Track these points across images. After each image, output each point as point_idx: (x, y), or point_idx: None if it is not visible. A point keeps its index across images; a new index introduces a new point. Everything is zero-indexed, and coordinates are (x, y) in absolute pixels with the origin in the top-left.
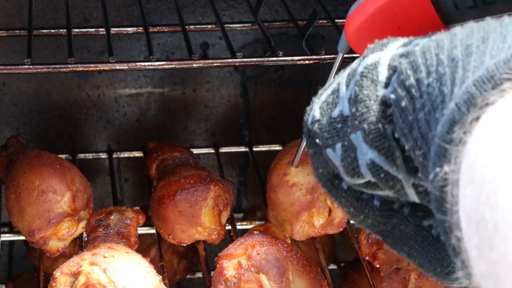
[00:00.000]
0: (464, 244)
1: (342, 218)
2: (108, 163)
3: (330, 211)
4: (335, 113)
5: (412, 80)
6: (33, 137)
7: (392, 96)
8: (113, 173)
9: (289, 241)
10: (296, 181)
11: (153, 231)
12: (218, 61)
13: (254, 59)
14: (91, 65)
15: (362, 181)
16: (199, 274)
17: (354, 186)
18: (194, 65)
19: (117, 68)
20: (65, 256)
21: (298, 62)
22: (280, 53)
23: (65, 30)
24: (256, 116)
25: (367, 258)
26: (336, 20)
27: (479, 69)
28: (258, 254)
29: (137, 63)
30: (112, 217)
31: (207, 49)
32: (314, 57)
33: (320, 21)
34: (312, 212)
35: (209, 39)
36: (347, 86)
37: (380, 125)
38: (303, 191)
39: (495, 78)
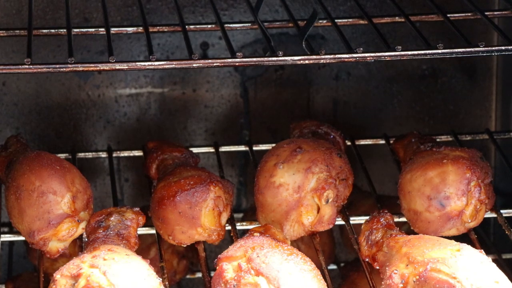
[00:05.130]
0: None
1: (331, 214)
2: (108, 163)
3: (318, 209)
4: None
5: None
6: (33, 137)
7: None
8: (113, 173)
9: (289, 243)
10: (282, 181)
11: (153, 231)
12: (218, 61)
13: (254, 59)
14: (91, 65)
15: None
16: (199, 274)
17: None
18: (194, 65)
19: (117, 68)
20: (65, 256)
21: (298, 62)
22: (280, 53)
23: (65, 30)
24: (256, 116)
25: (367, 259)
26: (336, 20)
27: None
28: (258, 256)
29: (137, 63)
30: (112, 218)
31: (207, 49)
32: (314, 57)
33: (320, 21)
34: (300, 211)
35: (209, 39)
36: None
37: None
38: (290, 191)
39: None
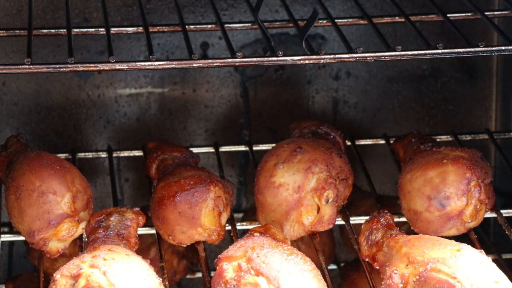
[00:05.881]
0: None
1: (331, 215)
2: (108, 163)
3: (318, 209)
4: None
5: None
6: (33, 137)
7: None
8: (113, 173)
9: (289, 243)
10: (282, 181)
11: (153, 231)
12: (218, 61)
13: (254, 59)
14: (91, 65)
15: None
16: (199, 274)
17: None
18: (194, 65)
19: (117, 68)
20: (65, 256)
21: (298, 62)
22: (280, 53)
23: (65, 30)
24: (256, 116)
25: (367, 259)
26: (336, 20)
27: None
28: (258, 256)
29: (137, 63)
30: (112, 218)
31: (207, 49)
32: (314, 57)
33: (320, 21)
34: (300, 211)
35: (209, 39)
36: None
37: None
38: (290, 191)
39: None
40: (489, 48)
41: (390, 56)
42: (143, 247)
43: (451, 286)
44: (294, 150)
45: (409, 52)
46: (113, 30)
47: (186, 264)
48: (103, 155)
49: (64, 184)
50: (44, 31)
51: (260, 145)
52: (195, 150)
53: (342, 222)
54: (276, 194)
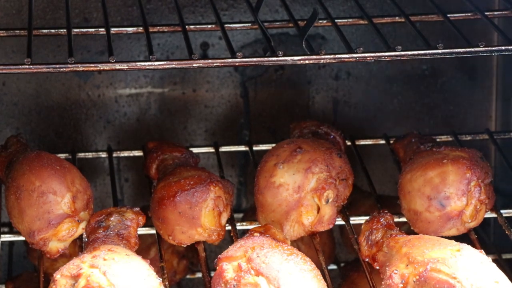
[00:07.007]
0: None
1: (332, 215)
2: (108, 163)
3: (318, 209)
4: None
5: None
6: (33, 137)
7: None
8: (113, 173)
9: (289, 243)
10: (282, 181)
11: (153, 231)
12: (218, 61)
13: (254, 59)
14: (91, 65)
15: None
16: (199, 274)
17: None
18: (194, 65)
19: (117, 68)
20: (65, 256)
21: (298, 62)
22: (280, 53)
23: (65, 30)
24: (256, 116)
25: (367, 259)
26: (336, 20)
27: None
28: (258, 256)
29: (137, 63)
30: (112, 218)
31: (207, 49)
32: (314, 57)
33: (320, 21)
34: (300, 211)
35: (209, 39)
36: None
37: None
38: (290, 191)
39: None
40: (489, 48)
41: (390, 56)
42: (143, 247)
43: (451, 286)
44: (294, 150)
45: (409, 52)
46: (113, 30)
47: (186, 264)
48: (103, 155)
49: (64, 184)
50: (44, 31)
51: (260, 145)
52: (195, 150)
53: (342, 222)
54: (276, 194)
